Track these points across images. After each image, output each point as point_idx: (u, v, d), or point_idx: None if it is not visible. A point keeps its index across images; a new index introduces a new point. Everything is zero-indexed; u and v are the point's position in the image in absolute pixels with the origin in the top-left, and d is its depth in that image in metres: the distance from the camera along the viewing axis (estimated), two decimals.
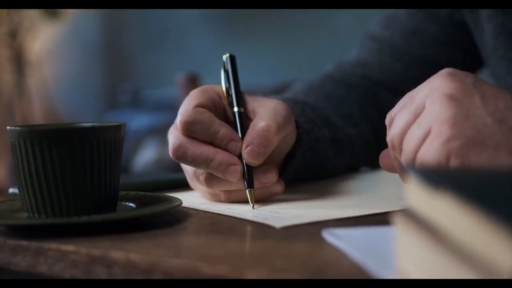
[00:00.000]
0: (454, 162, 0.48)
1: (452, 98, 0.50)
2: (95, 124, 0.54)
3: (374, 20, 0.85)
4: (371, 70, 0.81)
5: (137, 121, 2.42)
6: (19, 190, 0.53)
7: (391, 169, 0.56)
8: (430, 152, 0.49)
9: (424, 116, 0.50)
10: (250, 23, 2.58)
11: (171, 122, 0.62)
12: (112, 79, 2.90)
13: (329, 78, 0.80)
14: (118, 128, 0.54)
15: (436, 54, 0.80)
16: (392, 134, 0.53)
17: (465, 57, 0.80)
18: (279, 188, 0.61)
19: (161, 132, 1.82)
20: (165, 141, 0.62)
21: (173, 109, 2.38)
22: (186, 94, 0.63)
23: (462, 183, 0.32)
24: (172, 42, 2.76)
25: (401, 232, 0.35)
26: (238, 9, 2.55)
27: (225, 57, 0.65)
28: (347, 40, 2.29)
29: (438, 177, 0.34)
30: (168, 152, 0.61)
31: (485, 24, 0.75)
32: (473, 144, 0.48)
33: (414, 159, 0.51)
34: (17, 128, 0.52)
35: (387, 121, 0.55)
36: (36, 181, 0.51)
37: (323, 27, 2.36)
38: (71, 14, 2.80)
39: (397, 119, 0.53)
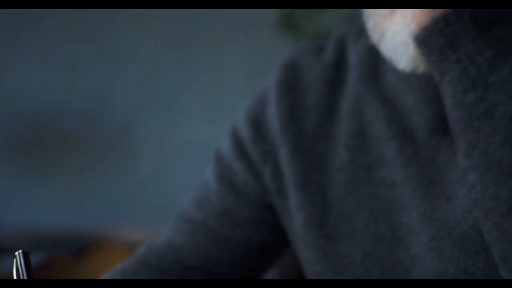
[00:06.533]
0: None
1: None
2: None
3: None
4: (185, 254, 0.78)
5: None
6: None
7: None
8: None
9: None
10: (46, 158, 2.50)
11: None
12: None
13: (142, 264, 0.77)
14: None
15: (249, 235, 0.80)
16: None
17: (278, 238, 0.81)
18: None
19: None
20: None
21: None
22: None
23: None
24: None
25: None
26: (34, 141, 2.47)
27: (17, 253, 0.61)
28: (152, 184, 2.28)
29: None
30: None
31: (294, 212, 0.76)
32: None
33: None
34: None
35: None
36: None
37: (126, 168, 2.33)
38: None
39: None
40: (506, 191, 0.53)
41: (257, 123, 0.79)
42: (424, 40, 0.57)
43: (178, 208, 0.84)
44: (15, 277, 0.60)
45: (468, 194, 0.57)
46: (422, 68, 0.64)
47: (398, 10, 0.63)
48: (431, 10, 0.56)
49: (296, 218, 0.76)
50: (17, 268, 0.60)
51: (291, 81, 0.79)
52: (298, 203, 0.75)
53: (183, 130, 2.27)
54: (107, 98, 2.30)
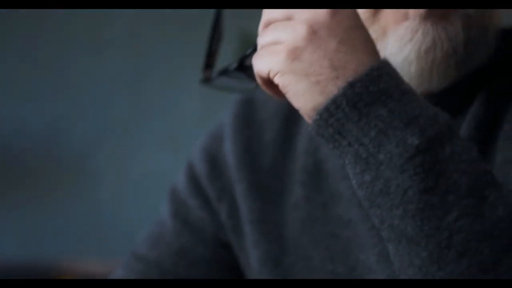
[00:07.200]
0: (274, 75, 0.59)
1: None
2: None
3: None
4: None
5: None
6: None
7: None
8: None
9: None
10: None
11: None
12: None
13: None
14: None
15: (205, 274, 0.78)
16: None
17: (234, 277, 0.79)
18: None
19: None
20: None
21: None
22: None
23: None
24: None
25: None
26: None
27: None
28: (110, 215, 2.25)
29: None
30: None
31: (250, 250, 0.75)
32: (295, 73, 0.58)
33: None
34: None
35: None
36: None
37: (83, 199, 2.30)
38: None
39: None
40: (419, 259, 0.56)
41: (213, 159, 0.78)
42: (318, 132, 0.59)
43: (136, 240, 0.83)
44: None
45: (393, 262, 0.58)
46: (426, 85, 0.66)
47: (390, 33, 0.65)
48: (316, 104, 0.58)
49: (252, 256, 0.75)
50: None
51: (246, 116, 0.78)
52: (253, 241, 0.74)
53: (141, 160, 2.25)
54: (64, 127, 2.27)
